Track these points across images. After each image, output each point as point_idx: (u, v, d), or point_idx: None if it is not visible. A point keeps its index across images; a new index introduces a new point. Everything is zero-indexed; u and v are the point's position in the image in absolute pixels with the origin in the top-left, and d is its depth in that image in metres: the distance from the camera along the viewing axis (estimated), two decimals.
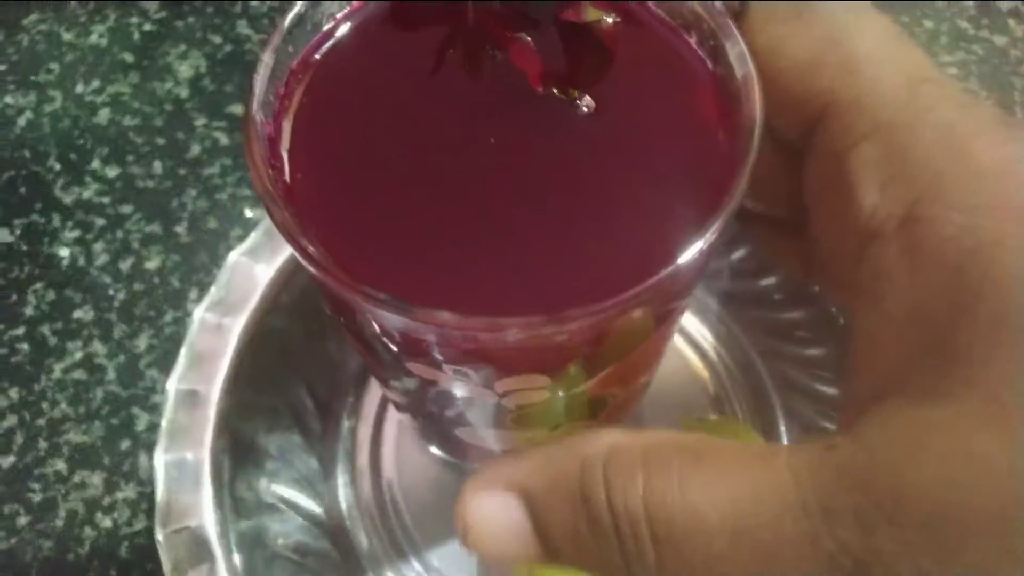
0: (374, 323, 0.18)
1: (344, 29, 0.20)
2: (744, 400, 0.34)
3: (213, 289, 0.31)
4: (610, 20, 0.17)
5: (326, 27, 0.20)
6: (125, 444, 0.34)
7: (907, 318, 0.17)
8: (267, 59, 0.18)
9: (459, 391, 0.21)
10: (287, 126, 0.19)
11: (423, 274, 0.17)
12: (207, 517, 0.28)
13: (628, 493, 0.17)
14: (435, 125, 0.18)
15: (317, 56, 0.20)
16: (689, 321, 0.35)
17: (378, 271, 0.17)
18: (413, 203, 0.18)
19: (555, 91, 0.18)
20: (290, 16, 0.19)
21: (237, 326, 0.31)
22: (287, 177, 0.18)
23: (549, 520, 0.18)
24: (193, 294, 0.36)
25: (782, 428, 0.33)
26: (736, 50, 0.18)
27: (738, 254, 0.34)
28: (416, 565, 0.31)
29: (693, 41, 0.19)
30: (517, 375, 0.19)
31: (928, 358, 0.16)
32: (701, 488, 0.16)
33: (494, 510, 0.18)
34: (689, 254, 0.16)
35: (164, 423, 0.29)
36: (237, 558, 0.27)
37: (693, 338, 0.35)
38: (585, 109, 0.18)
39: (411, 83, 0.19)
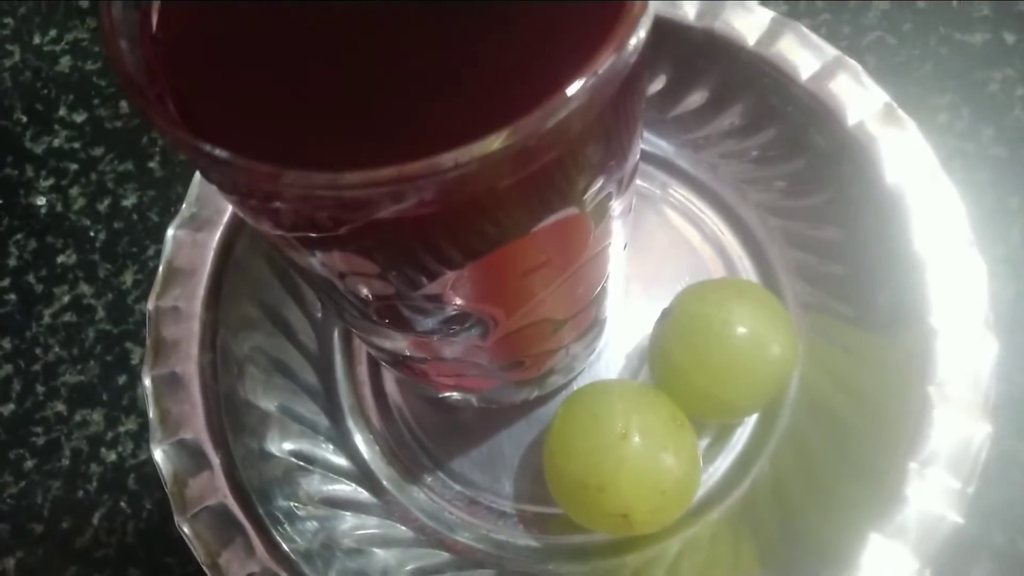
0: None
1: None
2: (747, 258, 0.33)
3: (184, 207, 0.30)
4: None
5: None
6: (122, 379, 0.33)
7: None
8: None
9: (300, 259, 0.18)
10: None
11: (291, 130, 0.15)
12: (200, 427, 0.27)
13: None
14: None
15: None
16: (679, 193, 0.34)
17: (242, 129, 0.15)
18: (283, 62, 0.16)
19: None
20: None
21: (212, 240, 0.30)
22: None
23: None
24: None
25: (783, 281, 0.32)
26: None
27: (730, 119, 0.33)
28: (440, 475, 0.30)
29: None
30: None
31: None
32: None
33: None
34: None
35: (149, 341, 0.28)
36: (235, 462, 0.27)
37: (685, 207, 0.34)
38: None
39: None
